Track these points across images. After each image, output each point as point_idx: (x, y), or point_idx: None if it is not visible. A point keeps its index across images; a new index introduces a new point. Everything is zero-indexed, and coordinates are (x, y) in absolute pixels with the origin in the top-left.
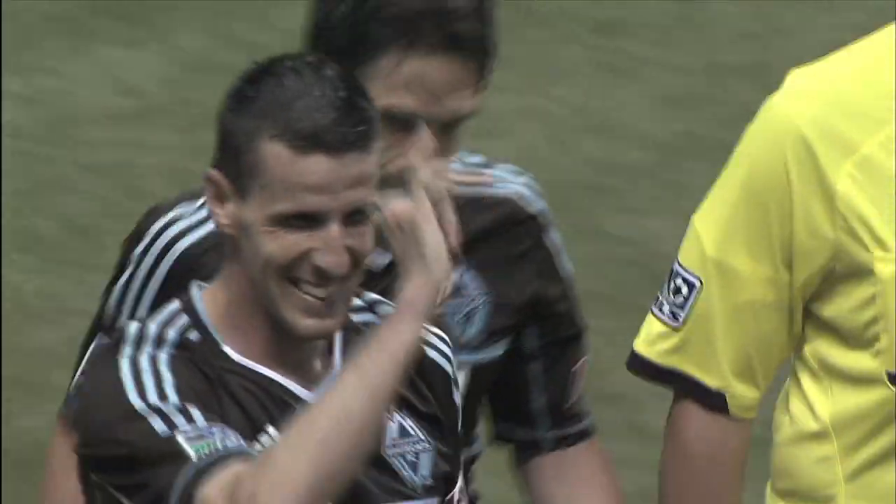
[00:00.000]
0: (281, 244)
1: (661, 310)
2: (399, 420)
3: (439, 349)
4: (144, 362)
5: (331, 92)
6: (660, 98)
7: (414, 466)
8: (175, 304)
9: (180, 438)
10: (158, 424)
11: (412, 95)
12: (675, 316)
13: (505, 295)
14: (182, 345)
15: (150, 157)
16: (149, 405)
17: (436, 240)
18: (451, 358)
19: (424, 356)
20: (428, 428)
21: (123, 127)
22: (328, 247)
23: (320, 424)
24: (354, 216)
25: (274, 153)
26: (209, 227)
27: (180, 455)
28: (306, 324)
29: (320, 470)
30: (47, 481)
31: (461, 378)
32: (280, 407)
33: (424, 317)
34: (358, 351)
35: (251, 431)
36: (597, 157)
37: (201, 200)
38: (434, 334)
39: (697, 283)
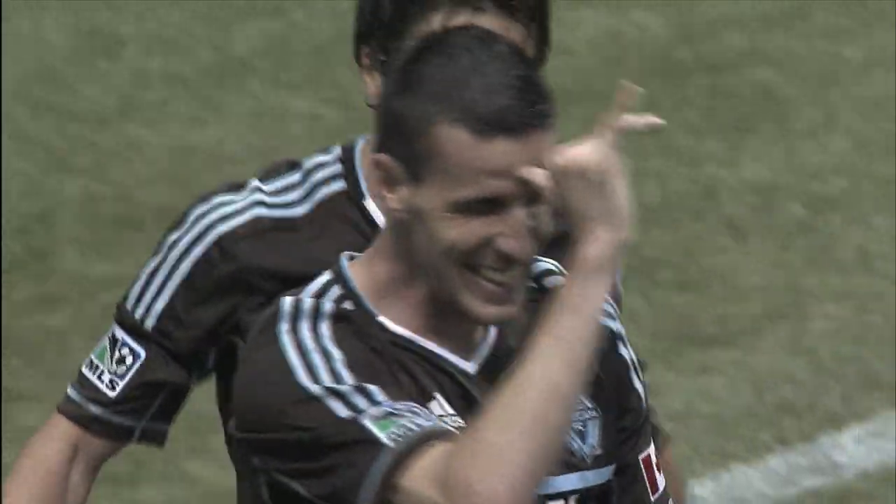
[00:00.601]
0: (463, 230)
1: None
2: None
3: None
4: (307, 339)
5: (507, 70)
6: None
7: (581, 435)
8: (325, 276)
9: (366, 421)
10: (339, 407)
11: None
12: None
13: None
14: (339, 316)
15: None
16: (324, 388)
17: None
18: (614, 313)
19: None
20: (594, 395)
21: None
22: (513, 232)
23: (529, 399)
24: (536, 196)
25: (454, 138)
26: (252, 213)
27: (370, 439)
28: (488, 311)
29: (536, 447)
30: (23, 455)
31: None
32: (442, 375)
33: (612, 275)
34: (550, 317)
35: (421, 398)
36: None
37: (249, 189)
38: None
39: None
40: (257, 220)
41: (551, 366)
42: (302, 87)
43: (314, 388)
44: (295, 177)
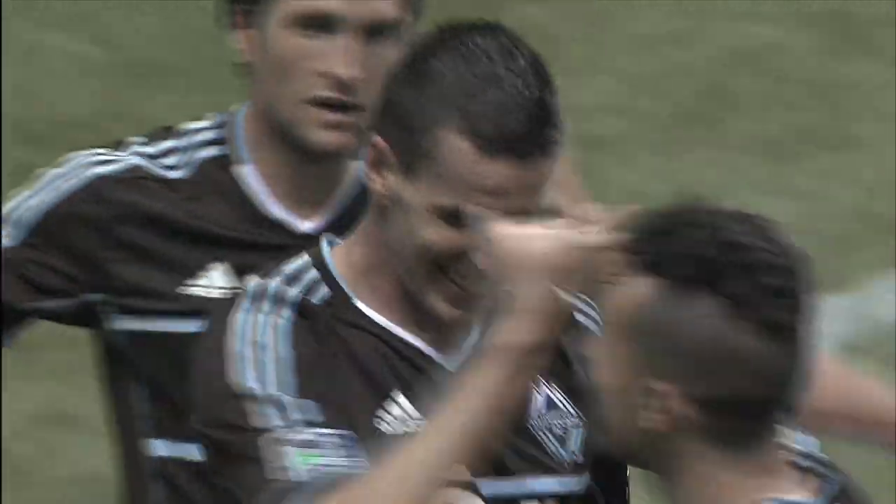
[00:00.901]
0: (443, 235)
1: None
2: (547, 392)
3: (589, 314)
4: (264, 332)
5: (524, 90)
6: None
7: (561, 441)
8: (304, 259)
9: (290, 446)
10: (271, 417)
11: None
12: None
13: None
14: (302, 308)
15: None
16: (265, 392)
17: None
18: (599, 319)
19: (575, 323)
20: (579, 402)
21: None
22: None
23: (410, 474)
24: (524, 218)
25: (457, 147)
26: (133, 163)
27: (287, 468)
28: (450, 312)
29: None
30: None
31: None
32: (412, 370)
33: (518, 364)
34: (454, 394)
35: (377, 398)
36: None
37: (132, 145)
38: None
39: None
40: (137, 169)
41: (440, 445)
42: (64, 25)
43: (255, 388)
44: (173, 142)
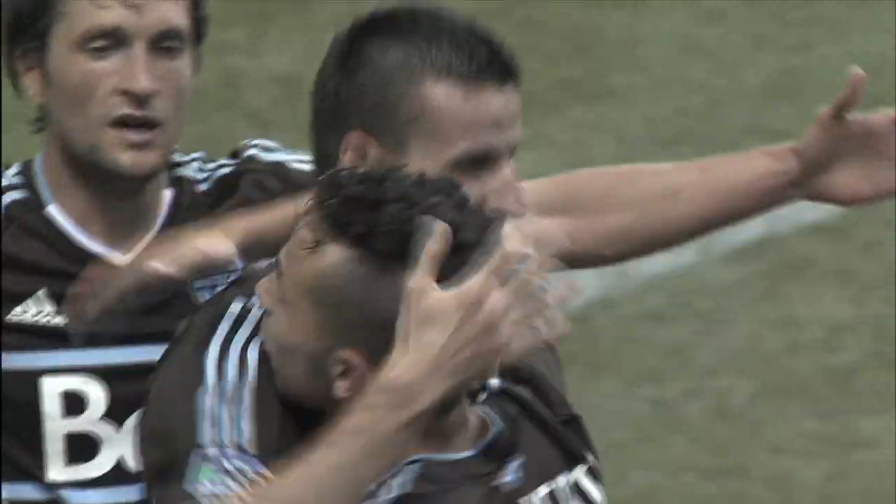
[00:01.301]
0: (470, 189)
1: None
2: None
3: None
4: (231, 365)
5: (472, 27)
6: None
7: None
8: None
9: (202, 460)
10: (207, 432)
11: (108, 9)
12: None
13: None
14: None
15: None
16: (215, 412)
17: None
18: None
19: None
20: None
21: None
22: (507, 189)
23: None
24: (512, 152)
25: (443, 93)
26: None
27: (192, 477)
28: None
29: None
30: None
31: None
32: None
33: (411, 409)
34: (336, 431)
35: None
36: None
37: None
38: None
39: None
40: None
41: (318, 489)
42: None
43: (206, 406)
44: None
